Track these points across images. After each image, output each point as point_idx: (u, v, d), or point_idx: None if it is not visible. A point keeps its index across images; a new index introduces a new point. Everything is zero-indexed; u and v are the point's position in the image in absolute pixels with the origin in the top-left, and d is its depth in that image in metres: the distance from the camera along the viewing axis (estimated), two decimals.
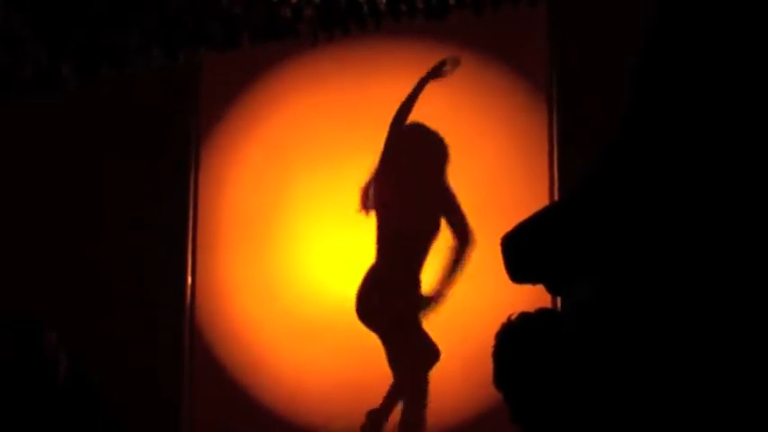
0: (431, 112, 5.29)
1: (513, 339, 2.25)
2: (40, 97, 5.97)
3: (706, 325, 1.63)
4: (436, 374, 5.14)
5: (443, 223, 5.19)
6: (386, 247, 5.29)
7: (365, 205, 5.31)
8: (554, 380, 2.15)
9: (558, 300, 3.94)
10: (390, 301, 5.25)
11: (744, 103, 1.65)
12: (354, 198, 5.38)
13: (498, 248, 1.92)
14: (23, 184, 6.04)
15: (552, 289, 1.84)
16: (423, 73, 5.34)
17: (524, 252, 1.83)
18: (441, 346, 5.14)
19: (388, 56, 5.47)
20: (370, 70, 5.50)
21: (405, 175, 5.34)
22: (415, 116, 5.34)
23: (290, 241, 5.54)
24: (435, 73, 5.25)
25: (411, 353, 5.18)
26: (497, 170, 5.15)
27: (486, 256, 4.91)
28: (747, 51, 1.65)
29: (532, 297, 2.20)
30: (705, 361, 1.63)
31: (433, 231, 5.19)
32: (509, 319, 2.28)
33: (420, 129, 5.30)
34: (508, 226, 1.97)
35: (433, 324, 5.17)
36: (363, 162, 5.41)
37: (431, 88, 5.32)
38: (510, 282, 1.91)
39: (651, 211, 1.70)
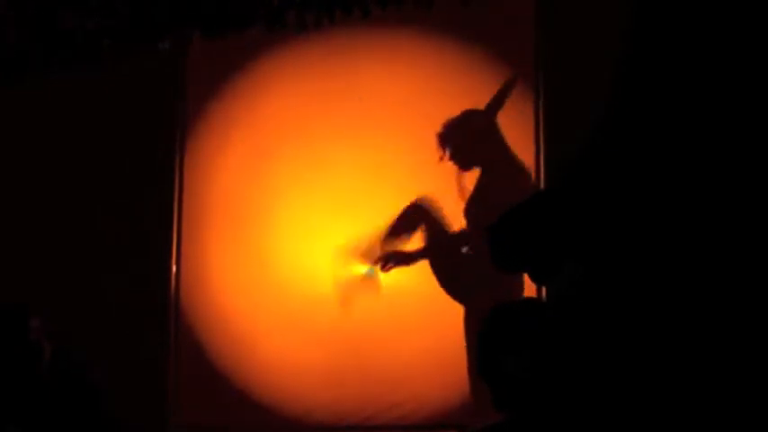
0: (416, 99, 5.28)
1: (496, 328, 2.25)
2: (28, 84, 5.95)
3: (691, 315, 1.63)
4: (431, 368, 5.12)
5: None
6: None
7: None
8: (536, 368, 2.16)
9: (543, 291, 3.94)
10: None
11: (725, 96, 1.65)
12: (340, 186, 5.38)
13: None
14: (8, 174, 6.02)
15: (535, 277, 1.84)
16: (409, 61, 5.33)
17: (509, 240, 1.84)
18: (435, 340, 5.10)
19: (375, 44, 5.46)
20: (356, 58, 5.49)
21: None
22: (400, 103, 5.33)
23: (276, 230, 5.52)
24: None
25: None
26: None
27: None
28: (728, 45, 1.66)
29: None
30: (689, 351, 1.63)
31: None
32: (493, 307, 2.28)
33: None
34: (494, 213, 1.96)
35: (428, 317, 5.17)
36: (349, 150, 5.40)
37: (416, 75, 5.32)
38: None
39: (634, 201, 1.70)
